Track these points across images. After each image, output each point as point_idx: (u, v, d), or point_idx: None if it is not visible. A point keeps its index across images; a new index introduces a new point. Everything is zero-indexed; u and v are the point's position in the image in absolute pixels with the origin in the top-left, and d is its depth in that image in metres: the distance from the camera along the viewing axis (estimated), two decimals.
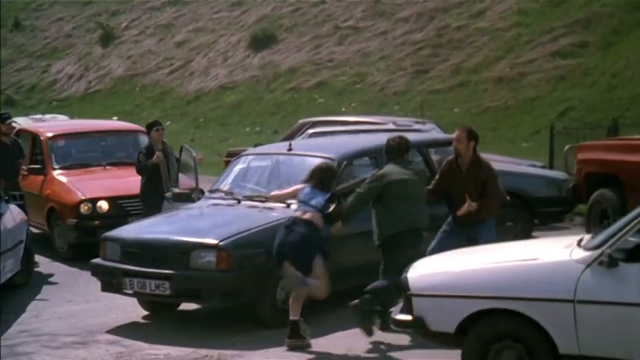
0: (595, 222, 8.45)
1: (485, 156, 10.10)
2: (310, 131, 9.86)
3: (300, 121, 11.40)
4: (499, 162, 10.16)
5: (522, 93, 20.42)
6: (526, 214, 8.91)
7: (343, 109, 22.88)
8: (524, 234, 8.96)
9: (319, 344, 6.54)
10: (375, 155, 7.35)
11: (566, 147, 9.10)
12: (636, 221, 4.93)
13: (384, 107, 22.24)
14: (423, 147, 7.64)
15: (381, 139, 7.85)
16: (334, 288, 7.10)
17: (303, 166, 7.36)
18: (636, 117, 13.14)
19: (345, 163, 7.21)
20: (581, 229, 9.39)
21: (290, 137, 11.24)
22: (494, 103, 20.52)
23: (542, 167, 10.71)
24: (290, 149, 7.41)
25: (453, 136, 6.89)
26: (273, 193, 6.98)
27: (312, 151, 7.44)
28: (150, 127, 9.23)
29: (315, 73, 24.29)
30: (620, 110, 18.56)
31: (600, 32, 20.73)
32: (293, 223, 6.44)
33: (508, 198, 7.01)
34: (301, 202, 6.50)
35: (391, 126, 9.82)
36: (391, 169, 6.42)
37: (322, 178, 6.52)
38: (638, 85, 19.05)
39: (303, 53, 25.28)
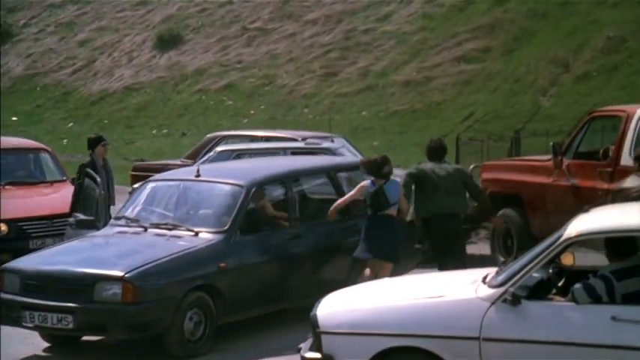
0: (499, 241, 8.67)
1: None
2: (218, 149, 9.73)
3: (208, 136, 11.25)
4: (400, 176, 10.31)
5: (429, 97, 20.80)
6: None
7: (252, 112, 22.78)
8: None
9: None
10: (285, 181, 7.31)
11: (472, 166, 9.31)
12: (539, 258, 5.07)
13: (293, 110, 22.26)
14: (332, 171, 7.65)
15: (290, 163, 7.84)
16: (239, 318, 7.05)
17: (211, 192, 7.27)
18: (537, 128, 13.56)
19: (253, 189, 7.15)
20: (486, 242, 9.62)
21: (198, 152, 11.08)
22: (401, 107, 20.83)
23: None
24: (198, 175, 7.29)
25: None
26: (337, 204, 7.33)
27: (221, 177, 7.34)
28: (96, 141, 8.76)
29: (223, 75, 24.09)
30: (522, 116, 19.14)
31: (503, 38, 21.30)
32: (380, 221, 7.05)
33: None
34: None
35: (300, 143, 9.79)
36: (427, 164, 7.51)
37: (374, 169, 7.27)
38: (539, 90, 19.69)
39: (210, 54, 25.02)
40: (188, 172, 7.66)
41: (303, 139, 10.51)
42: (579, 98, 18.91)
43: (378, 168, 7.16)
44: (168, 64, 25.53)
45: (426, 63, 21.65)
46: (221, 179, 7.29)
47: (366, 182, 7.27)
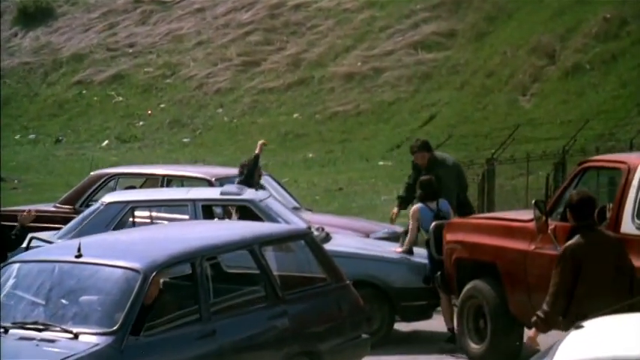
0: (468, 321, 8.78)
1: (317, 218, 10.47)
2: (106, 200, 9.63)
3: (93, 174, 11.14)
4: (345, 230, 10.42)
5: (378, 95, 21.01)
6: (384, 309, 9.18)
7: (149, 112, 22.64)
8: (384, 333, 9.23)
9: None
10: (194, 261, 7.27)
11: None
12: None
13: (204, 110, 22.22)
14: (257, 245, 7.65)
15: (202, 236, 7.77)
16: None
17: (97, 279, 7.14)
18: (515, 148, 13.82)
19: (153, 275, 7.07)
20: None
21: (78, 195, 10.97)
22: (343, 108, 21.00)
23: (405, 233, 11.07)
24: (79, 255, 7.18)
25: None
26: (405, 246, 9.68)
27: (109, 257, 7.20)
28: None
29: (110, 62, 23.90)
30: (496, 120, 19.44)
31: (471, 19, 21.61)
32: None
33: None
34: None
35: (214, 191, 9.78)
36: None
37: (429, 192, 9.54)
38: (517, 87, 20.07)
39: (92, 34, 24.76)
40: (65, 250, 7.53)
41: (218, 180, 10.48)
42: (569, 98, 19.33)
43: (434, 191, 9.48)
44: (35, 46, 25.17)
45: (373, 50, 21.86)
46: (110, 260, 7.17)
47: (418, 206, 9.48)
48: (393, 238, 10.59)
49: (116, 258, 7.22)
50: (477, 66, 20.63)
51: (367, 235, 10.53)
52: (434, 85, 20.67)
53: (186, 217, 9.75)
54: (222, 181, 10.42)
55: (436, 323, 9.79)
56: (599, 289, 6.44)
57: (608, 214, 8.00)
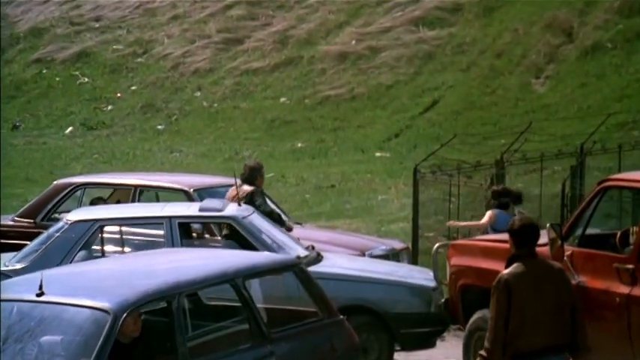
0: (475, 355, 8.79)
1: (307, 233, 10.42)
2: (71, 217, 9.59)
3: (57, 183, 11.07)
4: (338, 247, 10.44)
5: (374, 77, 20.99)
6: (382, 337, 9.20)
7: (118, 95, 22.58)
8: None
9: None
10: (171, 299, 7.26)
11: (436, 245, 9.44)
12: None
13: (180, 93, 22.18)
14: (240, 278, 7.65)
15: (179, 269, 7.76)
16: None
17: (61, 320, 7.13)
18: (526, 147, 13.78)
19: (125, 315, 7.07)
20: (457, 341, 9.81)
21: (40, 206, 10.94)
22: (335, 91, 20.99)
23: (405, 250, 11.11)
24: (40, 293, 7.17)
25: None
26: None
27: (75, 295, 7.16)
28: None
29: (74, 38, 23.82)
30: (507, 106, 19.44)
31: None
32: None
33: None
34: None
35: (191, 207, 9.76)
36: None
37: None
38: (530, 68, 20.09)
39: (53, 6, 24.67)
40: (25, 286, 7.50)
41: (196, 191, 10.45)
42: (588, 81, 19.36)
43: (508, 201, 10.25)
44: None
45: (369, 27, 21.83)
46: (76, 299, 7.14)
47: (496, 211, 10.25)
48: (391, 255, 10.62)
49: (83, 296, 7.19)
50: (484, 45, 20.63)
51: (362, 253, 10.53)
52: (437, 66, 20.68)
53: (162, 232, 9.74)
54: (200, 192, 10.38)
55: (439, 353, 9.84)
56: (534, 323, 6.49)
57: (632, 239, 8.03)
